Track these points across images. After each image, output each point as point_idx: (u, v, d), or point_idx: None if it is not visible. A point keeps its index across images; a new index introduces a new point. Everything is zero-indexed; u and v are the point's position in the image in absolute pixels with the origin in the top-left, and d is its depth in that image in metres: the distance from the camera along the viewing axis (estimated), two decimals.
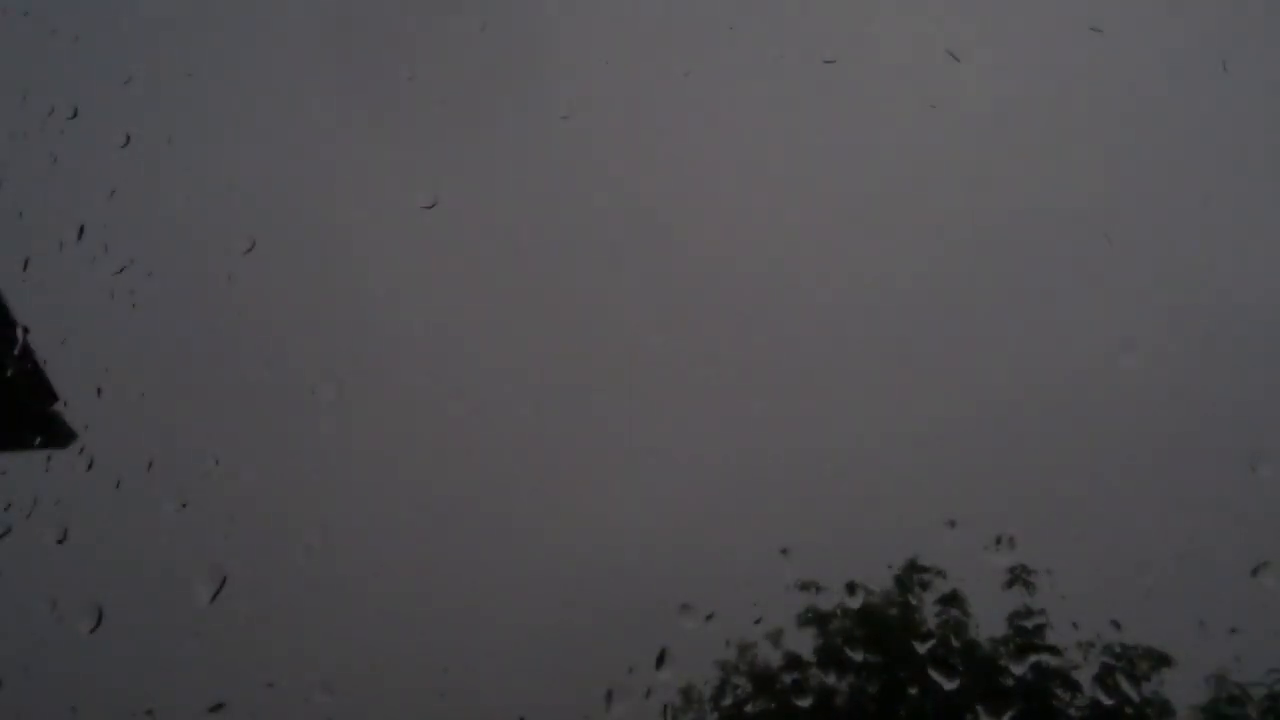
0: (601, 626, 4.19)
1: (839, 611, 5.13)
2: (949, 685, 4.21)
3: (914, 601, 5.26)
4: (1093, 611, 4.10)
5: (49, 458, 3.59)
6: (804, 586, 4.86)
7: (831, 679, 5.29)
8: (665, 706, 3.46)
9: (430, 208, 4.40)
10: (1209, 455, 4.32)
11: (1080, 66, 5.13)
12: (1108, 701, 4.34)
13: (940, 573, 5.27)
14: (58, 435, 3.61)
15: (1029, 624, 4.82)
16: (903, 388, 4.90)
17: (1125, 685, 4.25)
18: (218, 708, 3.33)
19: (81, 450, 3.59)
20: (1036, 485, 4.47)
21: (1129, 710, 4.34)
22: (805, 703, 5.08)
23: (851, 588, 4.93)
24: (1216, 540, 3.94)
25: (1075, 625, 4.34)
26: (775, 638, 5.30)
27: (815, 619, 5.13)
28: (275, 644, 3.90)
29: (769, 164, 5.66)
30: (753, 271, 5.44)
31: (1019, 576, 4.90)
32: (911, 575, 5.33)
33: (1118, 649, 4.40)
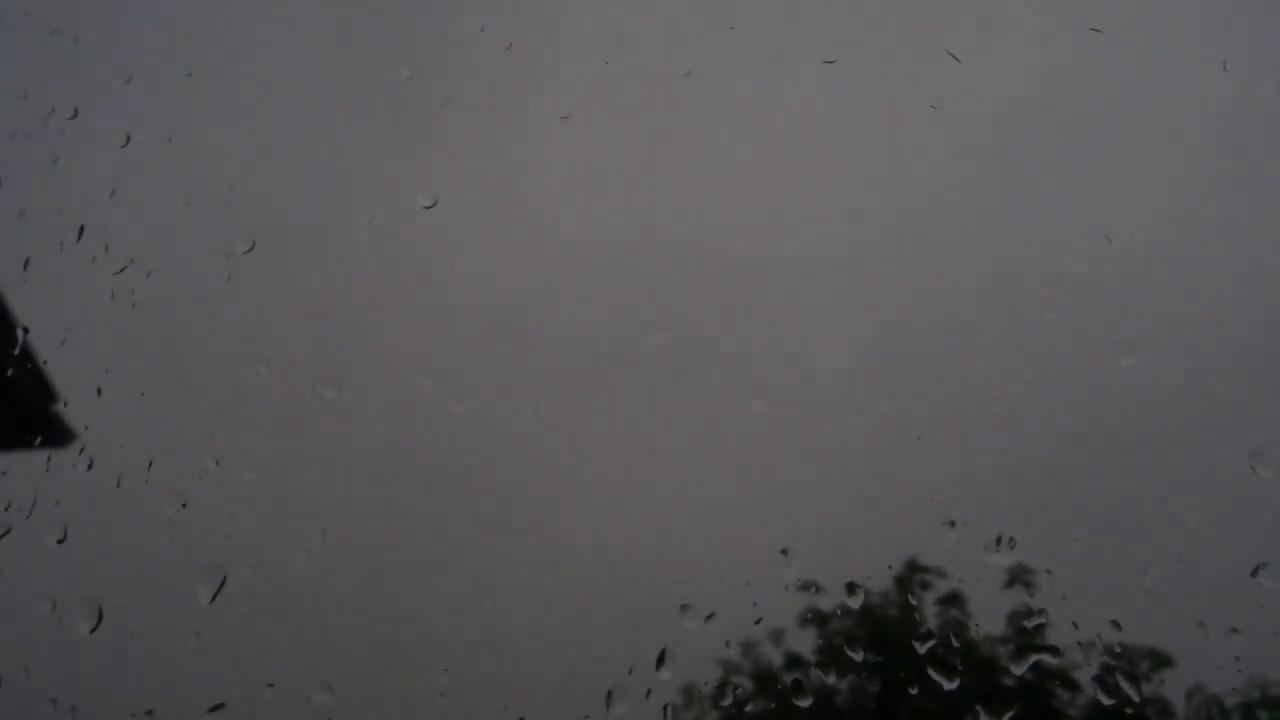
0: (601, 626, 4.18)
1: (839, 611, 5.14)
2: (949, 685, 4.21)
3: (913, 601, 5.27)
4: (1093, 611, 4.09)
5: (49, 458, 3.59)
6: (804, 587, 4.86)
7: (832, 679, 5.30)
8: (665, 706, 3.46)
9: (430, 208, 4.40)
10: (1209, 455, 4.31)
11: (1080, 66, 5.13)
12: (1108, 702, 4.33)
13: (941, 573, 5.27)
14: (58, 435, 3.62)
15: (1029, 624, 4.82)
16: (902, 387, 4.90)
17: (1125, 686, 4.24)
18: (218, 708, 3.33)
19: (81, 450, 3.60)
20: (1036, 485, 4.47)
21: (1129, 710, 4.33)
22: (805, 703, 5.08)
23: (851, 588, 4.93)
24: (1216, 540, 3.94)
25: (1075, 625, 4.34)
26: (776, 637, 5.32)
27: (816, 619, 5.14)
28: (275, 644, 3.90)
29: (769, 164, 5.66)
30: (752, 270, 5.44)
31: (1019, 577, 4.90)
32: (911, 575, 5.34)
33: (1118, 649, 4.40)
